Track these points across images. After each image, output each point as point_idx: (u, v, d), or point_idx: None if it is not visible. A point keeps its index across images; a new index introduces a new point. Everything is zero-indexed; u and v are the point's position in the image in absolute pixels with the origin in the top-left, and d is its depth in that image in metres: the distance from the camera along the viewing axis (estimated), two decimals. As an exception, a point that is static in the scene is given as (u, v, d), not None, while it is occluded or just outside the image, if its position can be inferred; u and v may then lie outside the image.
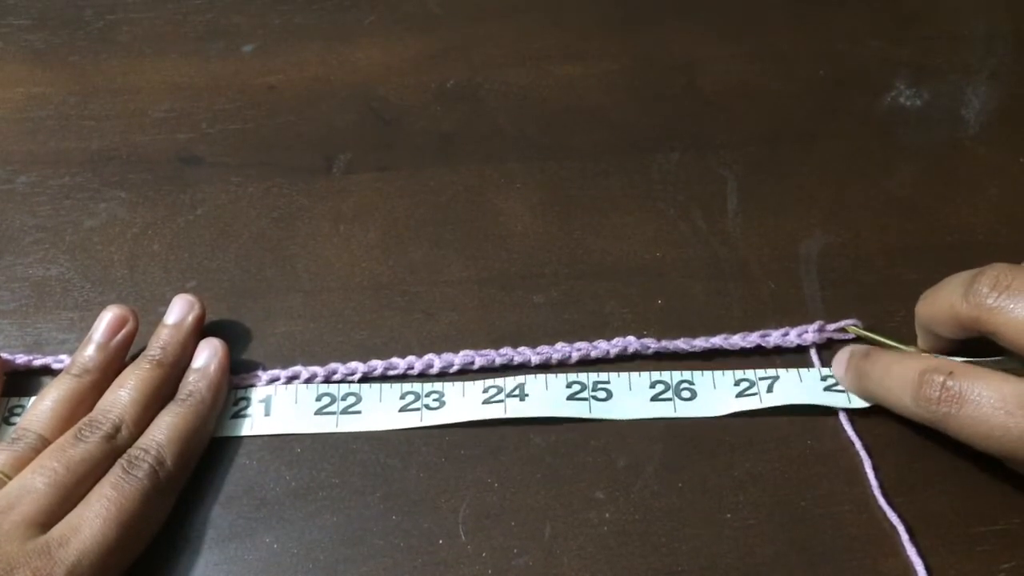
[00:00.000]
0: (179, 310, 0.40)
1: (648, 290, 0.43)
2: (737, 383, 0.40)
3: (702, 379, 0.40)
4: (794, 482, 0.37)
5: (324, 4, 0.54)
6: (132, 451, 0.35)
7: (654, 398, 0.39)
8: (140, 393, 0.37)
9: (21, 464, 0.35)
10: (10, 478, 0.35)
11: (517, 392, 0.39)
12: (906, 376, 0.36)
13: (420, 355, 0.40)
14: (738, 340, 0.41)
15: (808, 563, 0.35)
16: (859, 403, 0.39)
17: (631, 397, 0.39)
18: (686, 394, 0.39)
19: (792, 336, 0.41)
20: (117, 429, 0.36)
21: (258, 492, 0.37)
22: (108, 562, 0.33)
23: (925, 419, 0.35)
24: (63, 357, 0.40)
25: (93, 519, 0.33)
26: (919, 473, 0.38)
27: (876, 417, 0.39)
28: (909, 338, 0.40)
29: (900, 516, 0.36)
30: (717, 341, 0.41)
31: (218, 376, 0.39)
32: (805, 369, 0.40)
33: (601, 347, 0.40)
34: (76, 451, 0.35)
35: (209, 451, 0.38)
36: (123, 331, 0.39)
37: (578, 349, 0.40)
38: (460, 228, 0.45)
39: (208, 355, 0.39)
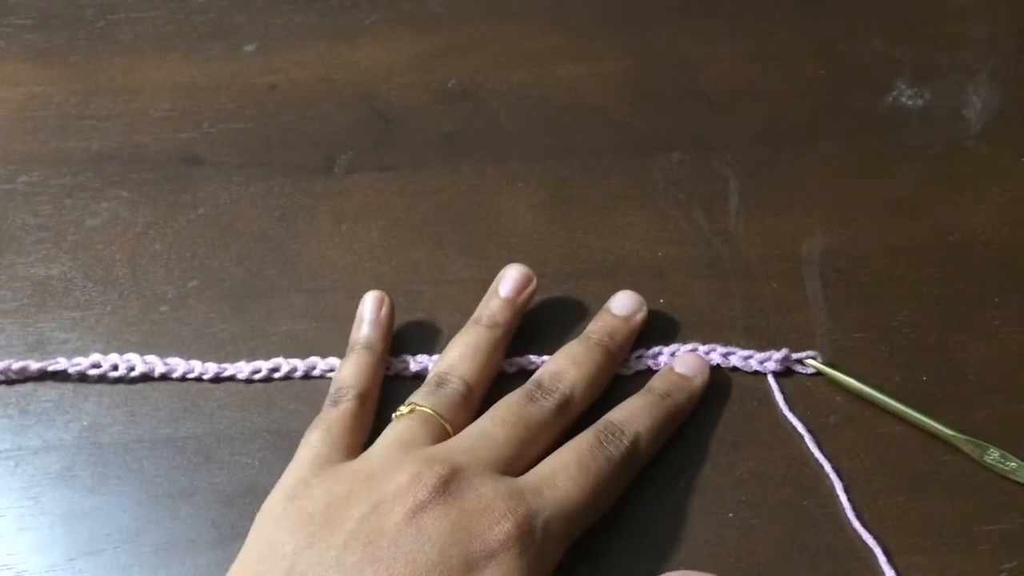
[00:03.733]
0: (628, 303, 0.40)
1: (650, 290, 0.42)
2: None
3: None
4: (796, 481, 0.37)
5: (325, 3, 0.54)
6: (609, 426, 0.36)
7: None
8: (590, 372, 0.38)
9: (453, 407, 0.36)
10: (443, 419, 0.36)
11: None
12: None
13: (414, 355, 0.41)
14: (701, 351, 0.40)
15: (810, 563, 0.35)
16: None
17: None
18: None
19: (753, 361, 0.40)
20: (568, 400, 0.37)
21: (261, 492, 0.37)
22: (573, 524, 0.34)
23: None
24: (60, 359, 0.40)
25: (565, 479, 0.34)
26: (922, 474, 0.38)
27: (884, 418, 0.39)
28: (912, 344, 0.40)
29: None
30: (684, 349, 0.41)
31: (700, 391, 0.39)
32: None
33: None
34: (531, 410, 0.36)
35: (211, 450, 0.38)
36: (527, 290, 0.40)
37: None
38: (462, 228, 0.45)
39: (694, 367, 0.39)
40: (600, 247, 0.44)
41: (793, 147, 0.48)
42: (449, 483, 0.32)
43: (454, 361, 0.38)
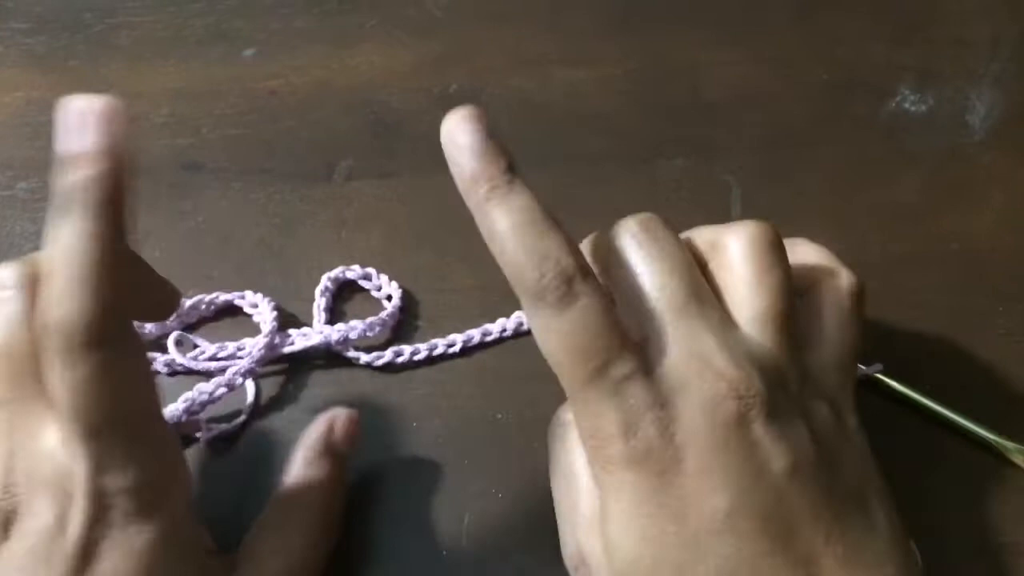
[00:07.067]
0: None
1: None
2: None
3: None
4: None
5: (325, 8, 0.54)
6: None
7: None
8: None
9: None
10: None
11: None
12: None
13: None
14: None
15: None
16: None
17: None
18: None
19: None
20: None
21: (260, 500, 0.37)
22: None
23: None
24: None
25: None
26: (936, 475, 0.38)
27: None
28: (915, 353, 0.40)
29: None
30: None
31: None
32: None
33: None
34: None
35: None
36: None
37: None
38: (463, 234, 0.45)
39: None
40: (602, 254, 0.44)
41: (795, 153, 0.48)
42: None
43: None
